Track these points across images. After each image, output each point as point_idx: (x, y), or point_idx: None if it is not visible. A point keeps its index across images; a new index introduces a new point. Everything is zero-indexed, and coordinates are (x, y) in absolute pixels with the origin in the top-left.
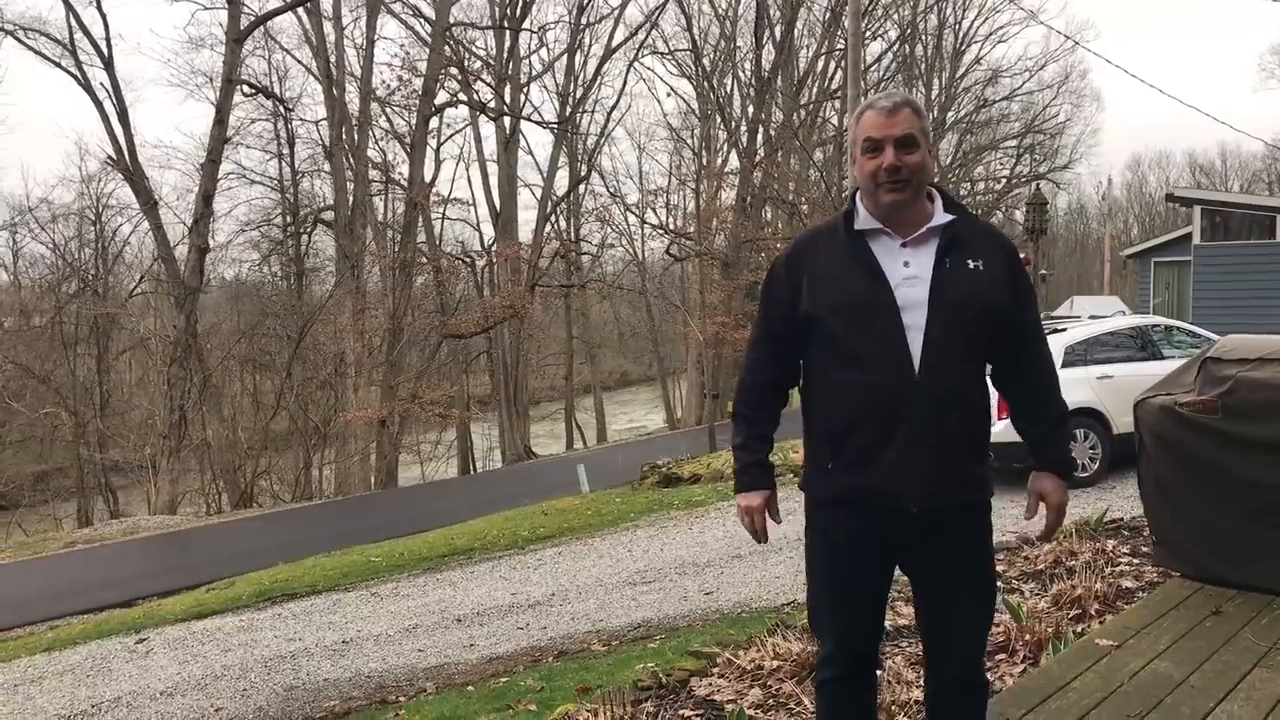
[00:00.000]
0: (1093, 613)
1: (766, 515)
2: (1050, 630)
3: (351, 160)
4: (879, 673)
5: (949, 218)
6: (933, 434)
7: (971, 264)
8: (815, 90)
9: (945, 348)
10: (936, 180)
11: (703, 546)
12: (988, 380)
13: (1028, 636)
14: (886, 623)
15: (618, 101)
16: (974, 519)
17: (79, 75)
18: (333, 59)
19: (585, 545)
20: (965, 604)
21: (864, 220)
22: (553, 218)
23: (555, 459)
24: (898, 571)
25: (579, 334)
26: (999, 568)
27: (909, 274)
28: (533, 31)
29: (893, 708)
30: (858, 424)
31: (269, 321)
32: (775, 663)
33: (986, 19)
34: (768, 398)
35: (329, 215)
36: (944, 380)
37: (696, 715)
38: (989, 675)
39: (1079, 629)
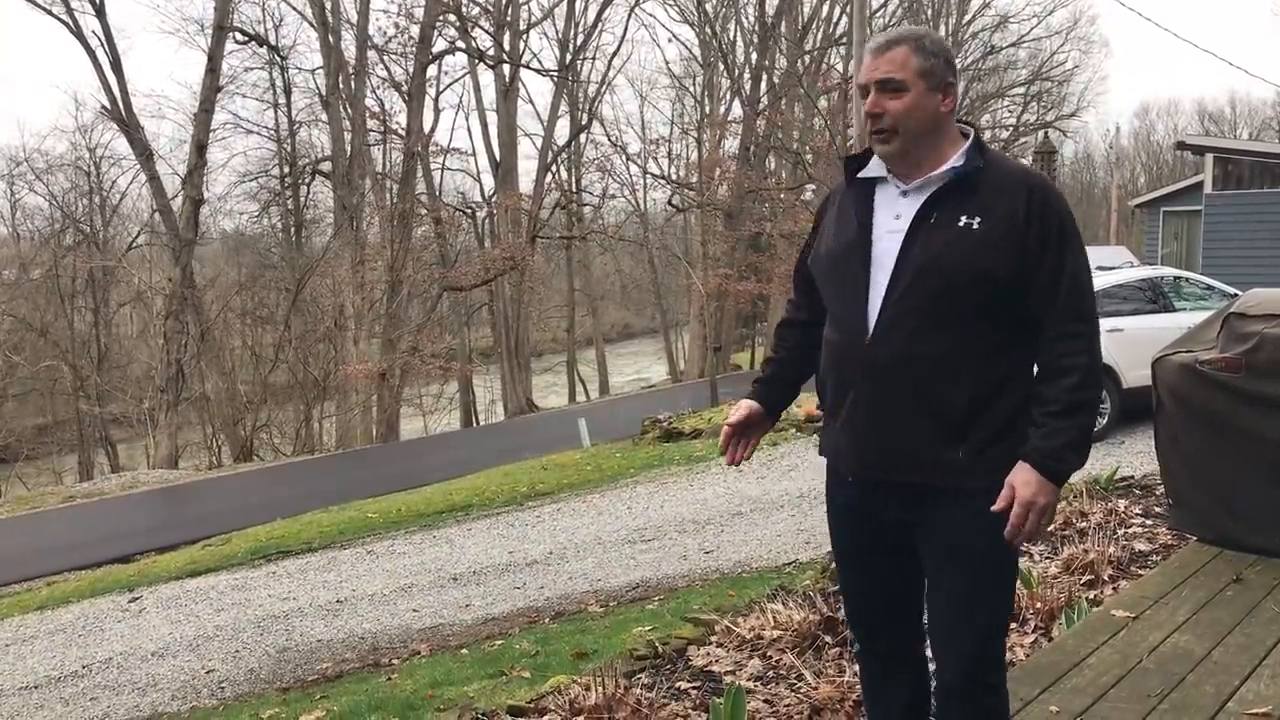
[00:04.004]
0: (1106, 578)
1: (741, 433)
2: (1062, 598)
3: (349, 109)
4: (919, 660)
5: (959, 164)
6: (875, 404)
7: (965, 219)
8: (820, 36)
9: (904, 313)
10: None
11: (703, 504)
12: (1000, 353)
13: (1039, 605)
14: None
15: (619, 48)
16: (959, 507)
17: (70, 22)
18: (328, 5)
19: (584, 502)
20: (954, 599)
21: (873, 166)
22: (553, 168)
23: (557, 412)
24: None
25: (581, 286)
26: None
27: (894, 227)
28: None
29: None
30: (827, 383)
31: (268, 274)
32: (776, 632)
33: None
34: (791, 333)
35: (327, 166)
36: (895, 348)
37: (693, 688)
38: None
39: (1091, 595)
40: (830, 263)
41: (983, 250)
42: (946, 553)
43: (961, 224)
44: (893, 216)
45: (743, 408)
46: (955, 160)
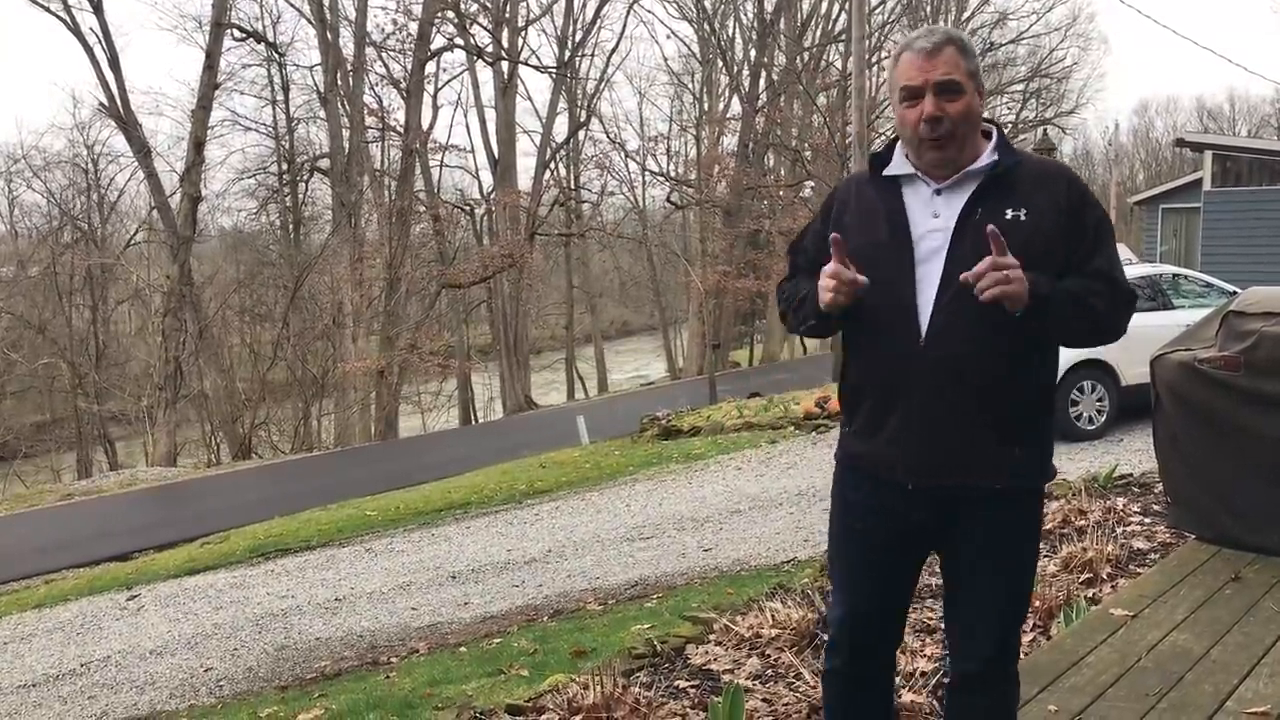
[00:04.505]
0: (1104, 577)
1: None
2: (1061, 597)
3: (347, 106)
4: (894, 671)
5: (993, 159)
6: (936, 409)
7: (1011, 213)
8: (819, 33)
9: (959, 312)
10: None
11: (701, 501)
12: (1044, 347)
13: (1038, 604)
14: None
15: (618, 45)
16: (1009, 507)
17: (68, 19)
18: (326, 2)
19: (583, 500)
20: (984, 594)
21: (897, 164)
22: (552, 165)
23: (556, 409)
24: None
25: (579, 283)
26: None
27: (935, 226)
28: None
29: (896, 679)
30: (866, 389)
31: (266, 271)
32: (774, 630)
33: None
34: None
35: (325, 163)
36: (954, 350)
37: (692, 686)
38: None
39: (1090, 594)
40: (862, 265)
41: (1034, 242)
42: (980, 551)
43: (1009, 217)
44: (930, 215)
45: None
46: (989, 156)
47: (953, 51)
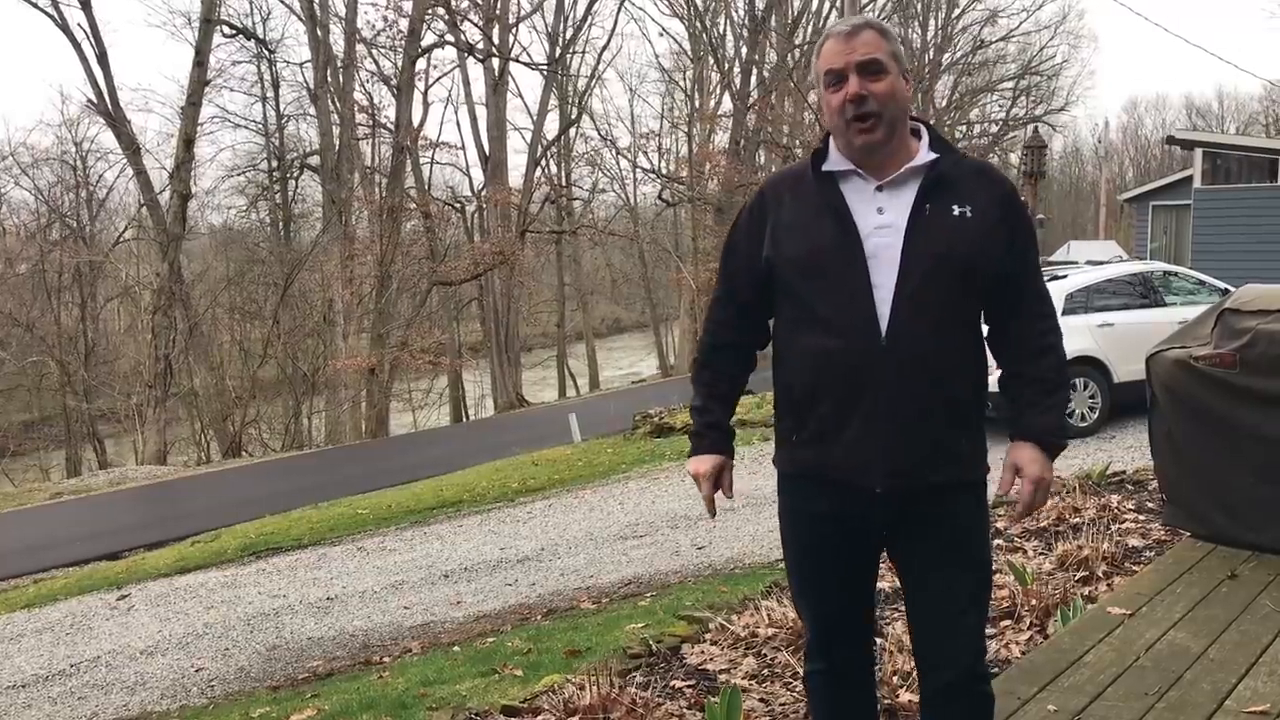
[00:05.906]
0: (1100, 574)
1: (718, 485)
2: (1058, 595)
3: (337, 103)
4: (874, 665)
5: (933, 156)
6: (902, 407)
7: (957, 209)
8: (810, 30)
9: (919, 309)
10: (919, 114)
11: (695, 499)
12: (983, 341)
13: (1034, 602)
14: (884, 584)
15: (609, 42)
16: (961, 499)
17: (56, 15)
18: None
19: (576, 497)
20: (953, 594)
21: (834, 161)
22: (543, 162)
23: (547, 407)
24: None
25: (571, 280)
26: (999, 523)
27: (882, 222)
28: None
29: (894, 678)
30: (819, 394)
31: (256, 269)
32: (770, 630)
33: None
34: (728, 361)
35: (315, 160)
36: (917, 346)
37: (688, 686)
38: (995, 643)
39: (1086, 591)
40: (810, 265)
41: (982, 237)
42: (941, 550)
43: (956, 214)
44: (874, 211)
45: (717, 467)
46: (926, 153)
47: (872, 34)
